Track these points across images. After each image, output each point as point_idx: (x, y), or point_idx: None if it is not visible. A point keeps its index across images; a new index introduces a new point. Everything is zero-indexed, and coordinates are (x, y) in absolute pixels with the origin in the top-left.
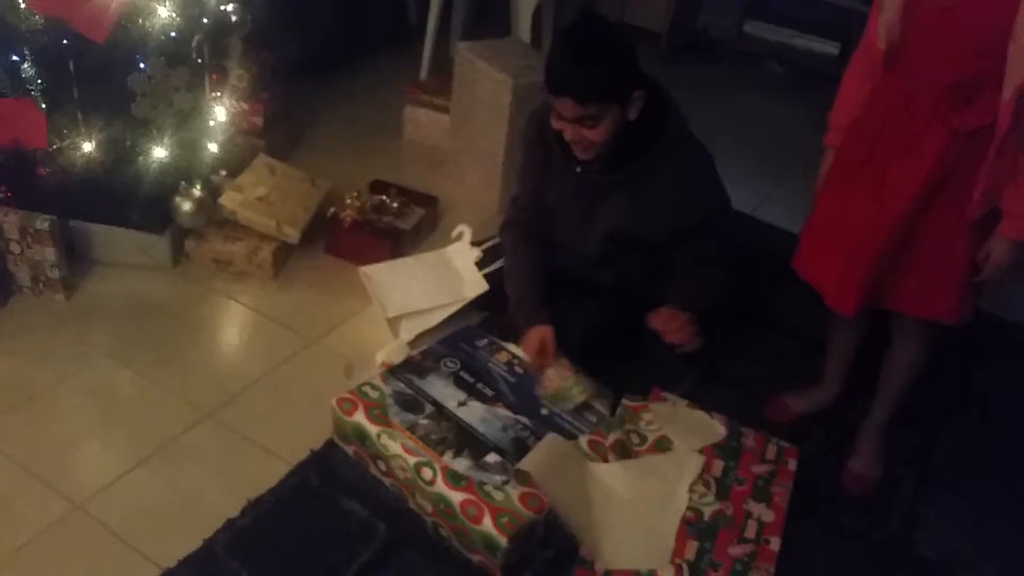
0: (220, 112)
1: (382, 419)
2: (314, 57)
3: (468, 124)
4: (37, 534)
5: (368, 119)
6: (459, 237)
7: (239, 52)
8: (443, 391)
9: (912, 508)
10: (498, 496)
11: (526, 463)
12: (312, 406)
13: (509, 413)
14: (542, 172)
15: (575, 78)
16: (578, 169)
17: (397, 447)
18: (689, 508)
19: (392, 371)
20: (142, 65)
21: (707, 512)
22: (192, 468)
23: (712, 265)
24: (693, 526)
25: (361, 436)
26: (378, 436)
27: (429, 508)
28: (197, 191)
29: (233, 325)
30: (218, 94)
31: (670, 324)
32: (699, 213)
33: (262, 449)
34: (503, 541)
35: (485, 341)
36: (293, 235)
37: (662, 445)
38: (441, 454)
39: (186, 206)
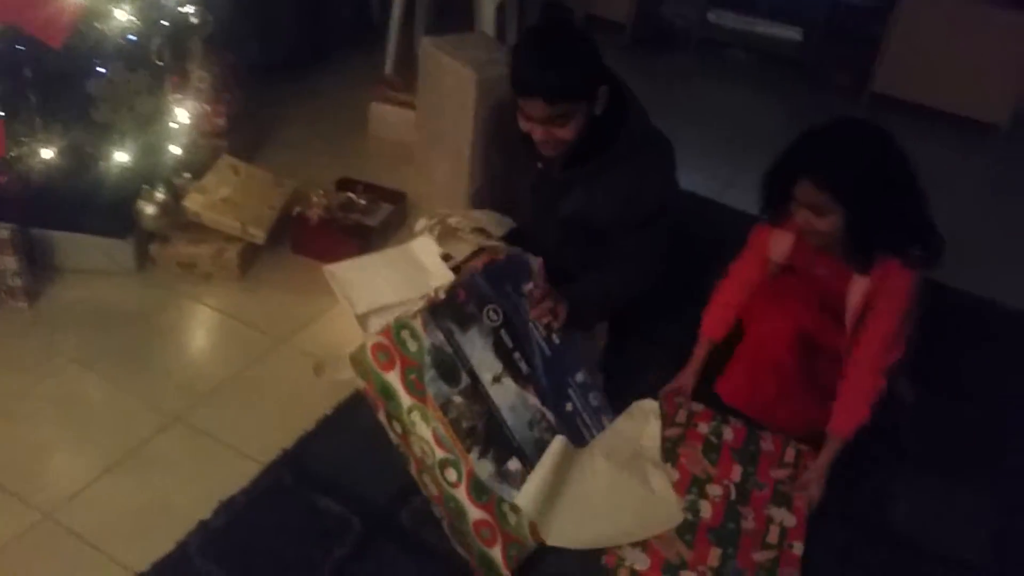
0: (182, 114)
1: (418, 388)
2: (277, 57)
3: (434, 119)
4: (7, 544)
5: (333, 117)
6: (422, 231)
7: (200, 54)
8: (481, 356)
9: (884, 485)
10: (512, 520)
11: (525, 497)
12: (282, 406)
13: (538, 403)
14: (504, 165)
15: (545, 78)
16: (539, 165)
17: (428, 433)
18: (689, 511)
19: (434, 312)
20: (101, 69)
21: (703, 509)
22: (163, 472)
23: (630, 263)
24: (713, 532)
25: (388, 395)
26: (409, 411)
27: (435, 492)
28: (160, 194)
29: (200, 328)
30: (179, 96)
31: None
32: (651, 207)
33: (233, 450)
34: (506, 573)
35: (531, 286)
36: (259, 235)
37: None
38: (468, 450)
39: (149, 210)
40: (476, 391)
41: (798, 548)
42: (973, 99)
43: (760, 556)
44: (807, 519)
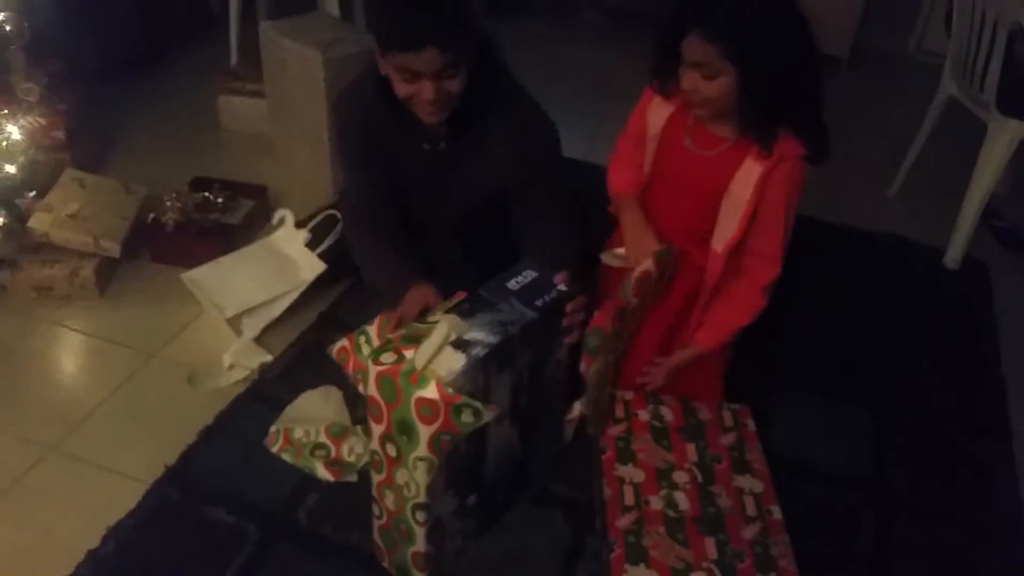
0: (13, 130)
1: (442, 446)
2: (114, 58)
3: (286, 107)
4: None
5: (181, 115)
6: (281, 223)
7: (23, 64)
8: (498, 398)
9: (756, 405)
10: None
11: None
12: (160, 421)
13: (516, 438)
14: (376, 156)
15: (437, 24)
16: (426, 146)
17: (424, 480)
18: (669, 508)
19: (488, 358)
20: None
21: (680, 501)
22: (43, 507)
23: (556, 214)
24: (699, 522)
25: (405, 432)
26: (419, 458)
27: (392, 508)
28: (2, 218)
29: (66, 352)
30: (5, 111)
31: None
32: (546, 143)
33: (115, 473)
34: None
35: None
36: (113, 248)
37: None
38: (445, 491)
39: None
40: (481, 435)
41: (777, 512)
42: (818, 36)
43: (748, 532)
44: (772, 480)
